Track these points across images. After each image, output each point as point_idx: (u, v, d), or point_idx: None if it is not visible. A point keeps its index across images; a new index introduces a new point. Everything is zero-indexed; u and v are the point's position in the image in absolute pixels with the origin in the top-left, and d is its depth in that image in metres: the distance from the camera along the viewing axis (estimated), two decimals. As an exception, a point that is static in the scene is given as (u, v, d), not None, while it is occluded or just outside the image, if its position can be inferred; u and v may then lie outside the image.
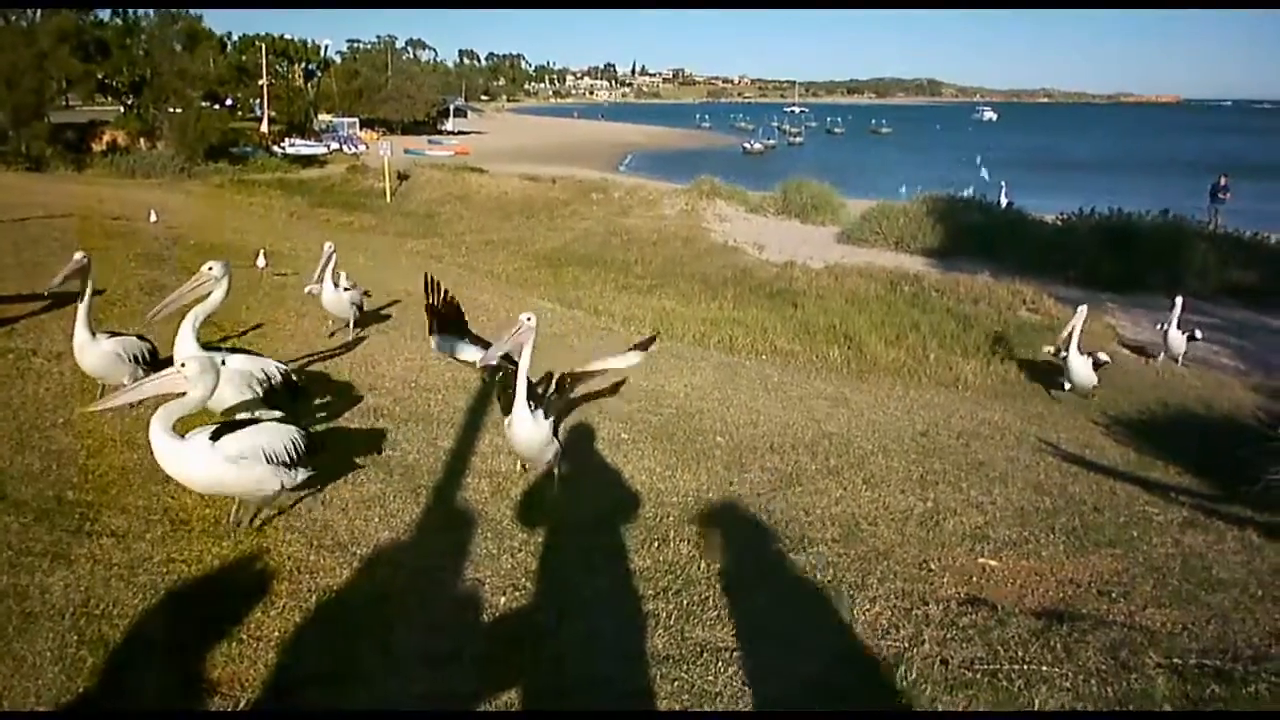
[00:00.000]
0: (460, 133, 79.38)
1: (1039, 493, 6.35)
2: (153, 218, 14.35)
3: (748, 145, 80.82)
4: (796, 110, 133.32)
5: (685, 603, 4.02)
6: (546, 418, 4.94)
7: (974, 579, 4.66)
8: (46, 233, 12.45)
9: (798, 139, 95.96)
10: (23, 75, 35.97)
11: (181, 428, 3.92)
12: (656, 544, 4.66)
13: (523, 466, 5.44)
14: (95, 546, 3.90)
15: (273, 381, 5.02)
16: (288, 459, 4.11)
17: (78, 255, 5.70)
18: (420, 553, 4.28)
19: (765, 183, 32.39)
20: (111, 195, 22.06)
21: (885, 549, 5.00)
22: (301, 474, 4.26)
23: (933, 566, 4.79)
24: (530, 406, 4.82)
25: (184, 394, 3.91)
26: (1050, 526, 5.57)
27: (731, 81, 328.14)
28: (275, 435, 4.12)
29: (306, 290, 9.07)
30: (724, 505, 5.45)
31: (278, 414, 4.75)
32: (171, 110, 43.62)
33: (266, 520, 4.34)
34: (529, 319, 5.19)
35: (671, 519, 5.07)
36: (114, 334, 5.60)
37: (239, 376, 4.80)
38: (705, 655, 3.56)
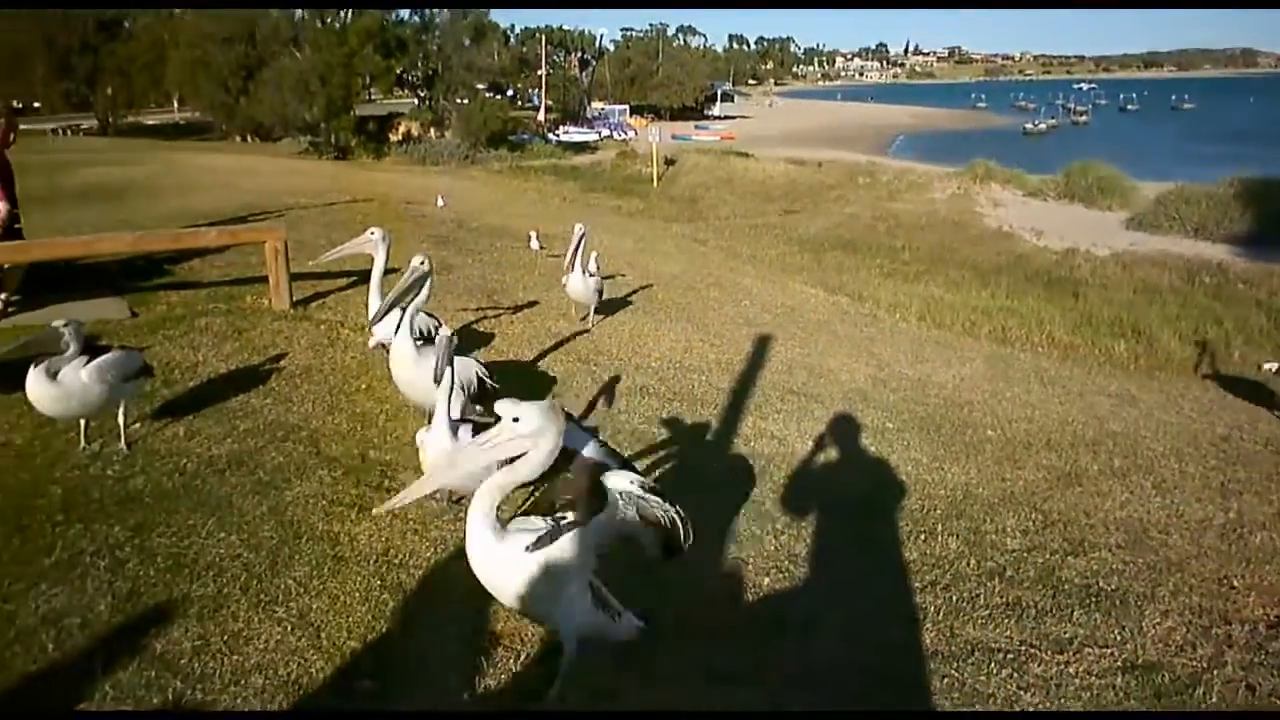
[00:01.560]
0: (726, 117, 79.98)
1: (1369, 511, 5.62)
2: (440, 202, 15.43)
3: (1028, 125, 76.51)
4: (1084, 87, 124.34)
5: (954, 599, 3.86)
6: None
7: (1286, 601, 4.19)
8: (351, 216, 13.67)
9: (1083, 118, 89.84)
10: (335, 72, 39.65)
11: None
12: (923, 536, 4.51)
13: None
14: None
15: (472, 382, 4.81)
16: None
17: (369, 232, 5.83)
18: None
19: (1046, 165, 30.55)
20: (405, 181, 23.92)
21: (1178, 560, 4.58)
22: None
23: (1235, 584, 4.34)
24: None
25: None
26: (1383, 550, 4.91)
27: (1011, 58, 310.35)
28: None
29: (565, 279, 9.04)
30: (996, 501, 5.18)
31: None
32: (459, 101, 46.74)
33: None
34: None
35: (939, 512, 4.88)
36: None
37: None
38: (977, 654, 3.41)
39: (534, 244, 12.13)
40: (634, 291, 10.06)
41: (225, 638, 3.22)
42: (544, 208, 22.63)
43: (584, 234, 7.69)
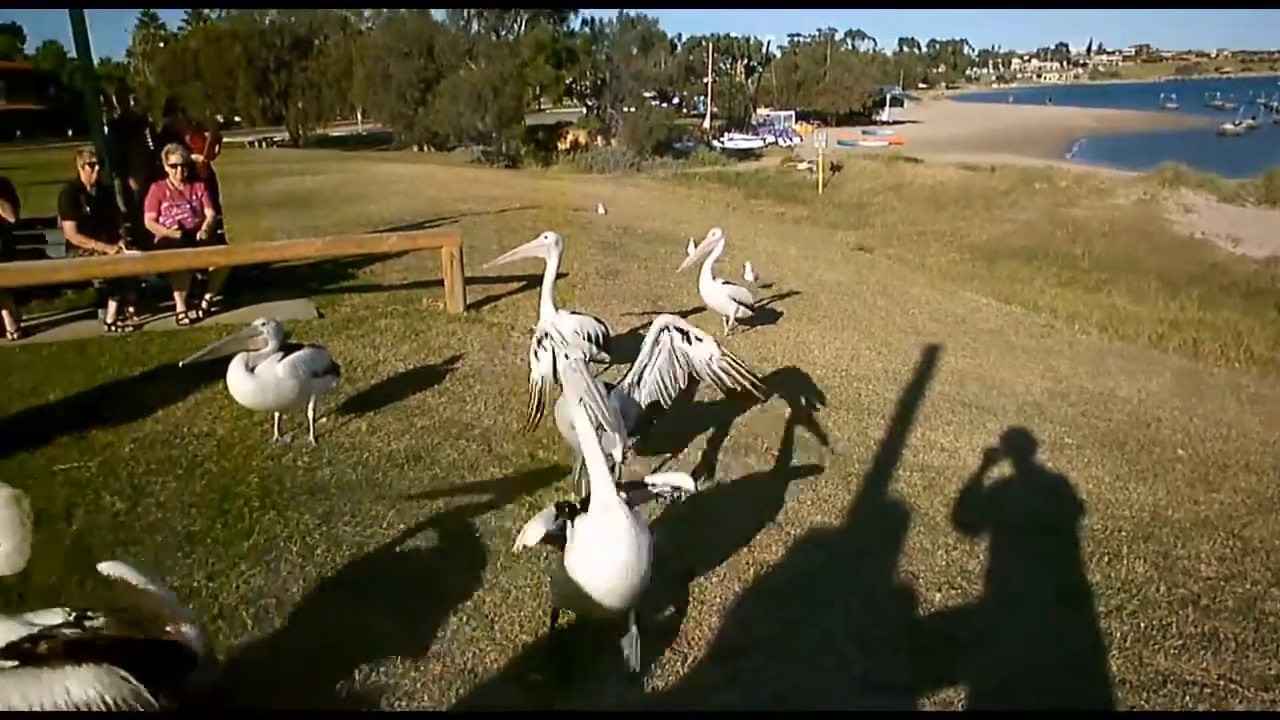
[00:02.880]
0: (895, 122, 78.25)
1: None
2: (600, 210, 15.62)
3: (1225, 126, 71.68)
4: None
5: (1143, 626, 3.64)
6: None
7: None
8: (521, 222, 14.08)
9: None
10: (507, 83, 40.97)
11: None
12: (1107, 558, 4.28)
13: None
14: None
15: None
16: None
17: (543, 236, 5.99)
18: (852, 539, 4.28)
19: (1244, 168, 28.53)
20: (572, 189, 24.44)
21: (1401, 597, 4.18)
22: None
23: None
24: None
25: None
26: None
27: (1207, 55, 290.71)
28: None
29: (679, 271, 8.72)
30: (1188, 525, 4.86)
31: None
32: (626, 109, 47.45)
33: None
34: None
35: (1124, 533, 4.62)
36: (574, 313, 6.13)
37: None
38: (1169, 686, 3.21)
39: (692, 250, 12.15)
40: (798, 299, 9.95)
41: (406, 625, 3.37)
42: (707, 214, 22.67)
43: (718, 238, 7.51)
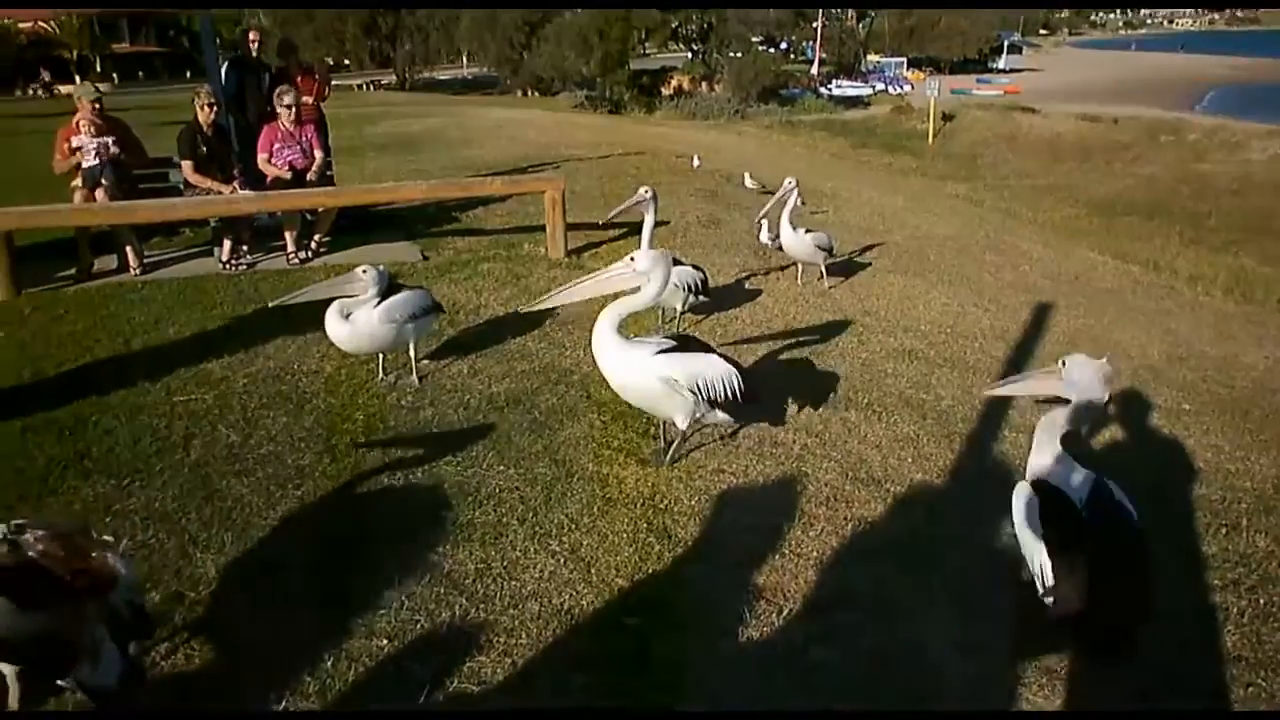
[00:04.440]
0: (1012, 70, 75.28)
1: None
2: (695, 163, 15.26)
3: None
4: None
5: (1262, 602, 3.47)
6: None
7: None
8: (623, 168, 14.03)
9: None
10: (613, 26, 40.61)
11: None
12: (1225, 530, 4.09)
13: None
14: (659, 448, 4.37)
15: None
16: (715, 397, 4.00)
17: (642, 190, 6.19)
18: (953, 499, 4.19)
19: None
20: (675, 135, 24.23)
21: None
22: (721, 416, 4.19)
23: None
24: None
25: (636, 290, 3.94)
26: None
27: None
28: (714, 371, 4.01)
29: (757, 221, 8.50)
30: (1318, 499, 4.61)
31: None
32: (732, 55, 46.63)
33: (678, 453, 4.50)
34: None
35: (1244, 505, 4.40)
36: (676, 262, 6.06)
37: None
38: (1287, 666, 3.07)
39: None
40: (904, 252, 9.71)
41: (504, 564, 3.44)
42: (812, 163, 22.26)
43: (793, 187, 7.25)
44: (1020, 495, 3.10)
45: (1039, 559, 2.90)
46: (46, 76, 52.37)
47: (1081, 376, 3.24)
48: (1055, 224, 16.28)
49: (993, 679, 2.99)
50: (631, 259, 3.97)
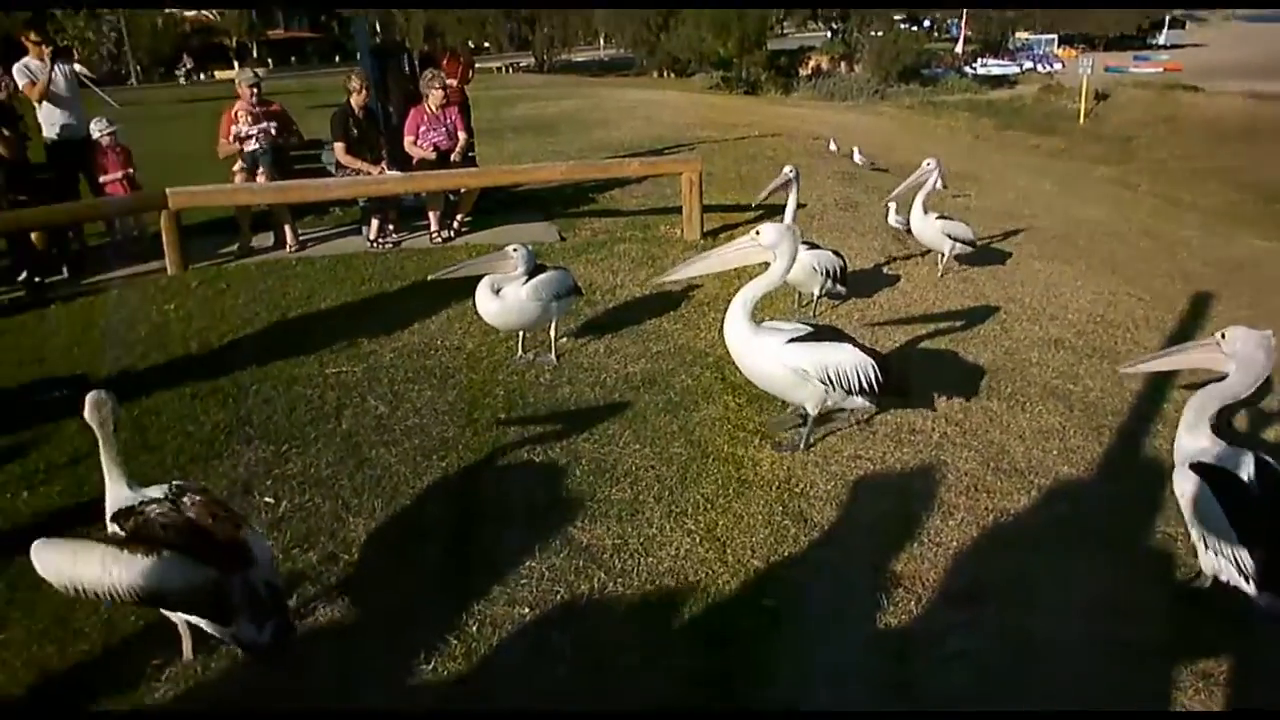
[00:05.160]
0: (1174, 46, 71.22)
1: None
2: (831, 146, 14.90)
3: None
4: None
5: None
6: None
7: None
8: (760, 150, 13.91)
9: None
10: (751, 6, 40.22)
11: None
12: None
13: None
14: (794, 432, 4.35)
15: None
16: (849, 386, 3.97)
17: (786, 169, 6.18)
18: (1101, 493, 4.03)
19: None
20: (812, 116, 23.85)
21: None
22: (859, 401, 4.14)
23: None
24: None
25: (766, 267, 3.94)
26: None
27: None
28: (847, 359, 3.97)
29: (885, 202, 8.26)
30: None
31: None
32: (873, 34, 45.56)
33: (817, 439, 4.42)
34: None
35: None
36: (814, 246, 5.99)
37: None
38: None
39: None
40: (1052, 238, 9.34)
41: (641, 540, 3.50)
42: (953, 145, 21.62)
43: (932, 167, 6.95)
44: (1189, 481, 2.95)
45: (1231, 549, 2.75)
46: (189, 63, 55.67)
47: (1245, 347, 3.07)
48: (1217, 209, 15.42)
49: (1142, 679, 2.88)
50: (757, 233, 3.96)
